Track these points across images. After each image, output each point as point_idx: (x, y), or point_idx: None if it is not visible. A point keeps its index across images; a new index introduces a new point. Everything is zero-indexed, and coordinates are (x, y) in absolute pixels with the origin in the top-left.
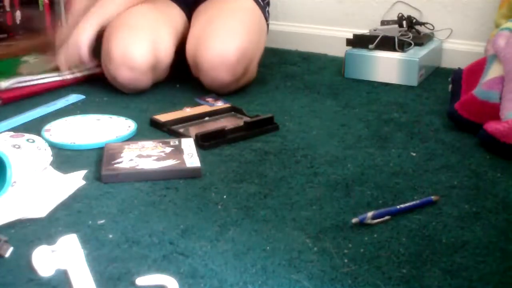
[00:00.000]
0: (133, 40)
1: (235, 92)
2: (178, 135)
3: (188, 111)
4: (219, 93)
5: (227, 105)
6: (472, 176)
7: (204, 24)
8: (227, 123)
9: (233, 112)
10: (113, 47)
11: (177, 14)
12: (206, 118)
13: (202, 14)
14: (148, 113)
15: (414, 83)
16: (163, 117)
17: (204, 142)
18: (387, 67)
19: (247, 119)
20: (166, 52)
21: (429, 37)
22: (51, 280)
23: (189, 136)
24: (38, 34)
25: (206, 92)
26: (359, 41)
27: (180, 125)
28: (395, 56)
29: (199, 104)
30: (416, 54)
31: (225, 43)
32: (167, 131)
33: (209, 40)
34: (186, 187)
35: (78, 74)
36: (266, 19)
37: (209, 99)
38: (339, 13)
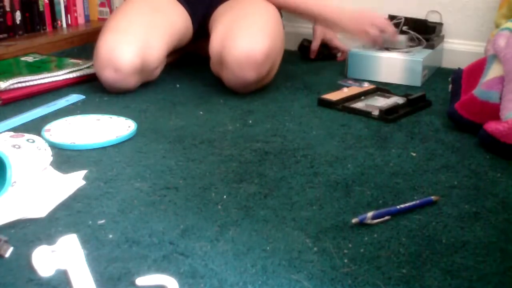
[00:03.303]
0: (120, 42)
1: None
2: (353, 112)
3: (346, 91)
4: (239, 92)
5: (373, 86)
6: (472, 176)
7: (230, 22)
8: (387, 100)
9: (379, 92)
10: (100, 47)
11: (177, 15)
12: (362, 97)
13: (226, 14)
14: (148, 113)
15: (418, 83)
16: (331, 97)
17: (388, 115)
18: (391, 67)
19: (399, 98)
20: (155, 55)
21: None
22: (51, 280)
23: (367, 112)
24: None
25: (205, 91)
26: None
27: (348, 103)
28: (398, 56)
29: (343, 86)
30: (420, 54)
31: (253, 42)
32: (342, 108)
33: (236, 38)
34: (186, 187)
35: (77, 74)
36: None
37: (351, 81)
38: None
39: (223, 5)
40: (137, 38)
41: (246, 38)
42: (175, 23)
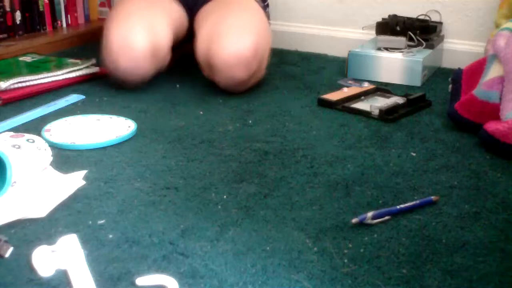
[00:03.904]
0: (130, 29)
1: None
2: (353, 112)
3: (346, 91)
4: (233, 92)
5: (373, 86)
6: (472, 176)
7: (214, 24)
8: (387, 100)
9: (379, 92)
10: (111, 37)
11: (175, 8)
12: (362, 97)
13: (209, 14)
14: (148, 113)
15: (418, 83)
16: (331, 97)
17: (388, 115)
18: (391, 67)
19: (399, 98)
20: (164, 38)
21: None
22: (51, 280)
23: (367, 112)
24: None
25: (205, 91)
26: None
27: (348, 103)
28: (398, 56)
29: (343, 86)
30: (420, 54)
31: (240, 40)
32: (341, 108)
33: (223, 39)
34: (186, 187)
35: (77, 74)
36: (268, 18)
37: (351, 82)
38: (339, 13)
39: (207, 4)
40: (145, 23)
41: (232, 38)
42: (174, 13)
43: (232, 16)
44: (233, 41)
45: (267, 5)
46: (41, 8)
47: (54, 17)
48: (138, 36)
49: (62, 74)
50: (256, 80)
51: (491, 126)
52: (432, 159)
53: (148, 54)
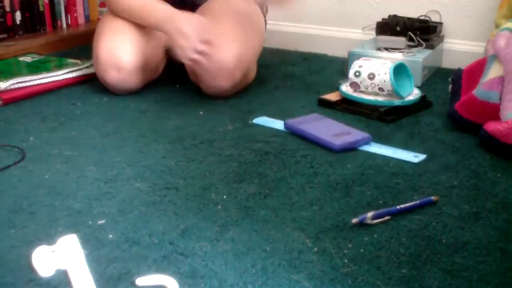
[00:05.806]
0: (119, 42)
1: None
2: (353, 112)
3: None
4: (218, 98)
5: None
6: (472, 176)
7: None
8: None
9: None
10: (100, 49)
11: None
12: None
13: None
14: (148, 113)
15: (418, 83)
16: (331, 97)
17: (387, 116)
18: None
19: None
20: (155, 52)
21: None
22: (51, 280)
23: (366, 112)
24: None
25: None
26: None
27: (348, 103)
28: (399, 56)
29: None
30: (420, 54)
31: (223, 52)
32: (342, 108)
33: None
34: (186, 187)
35: (77, 74)
36: (264, 15)
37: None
38: (339, 13)
39: (200, 8)
40: (135, 37)
41: (216, 49)
42: None
43: (218, 25)
44: (215, 53)
45: None
46: (41, 8)
47: (54, 17)
48: (126, 50)
49: (62, 74)
50: (244, 86)
51: (491, 126)
52: (432, 159)
53: (136, 69)
